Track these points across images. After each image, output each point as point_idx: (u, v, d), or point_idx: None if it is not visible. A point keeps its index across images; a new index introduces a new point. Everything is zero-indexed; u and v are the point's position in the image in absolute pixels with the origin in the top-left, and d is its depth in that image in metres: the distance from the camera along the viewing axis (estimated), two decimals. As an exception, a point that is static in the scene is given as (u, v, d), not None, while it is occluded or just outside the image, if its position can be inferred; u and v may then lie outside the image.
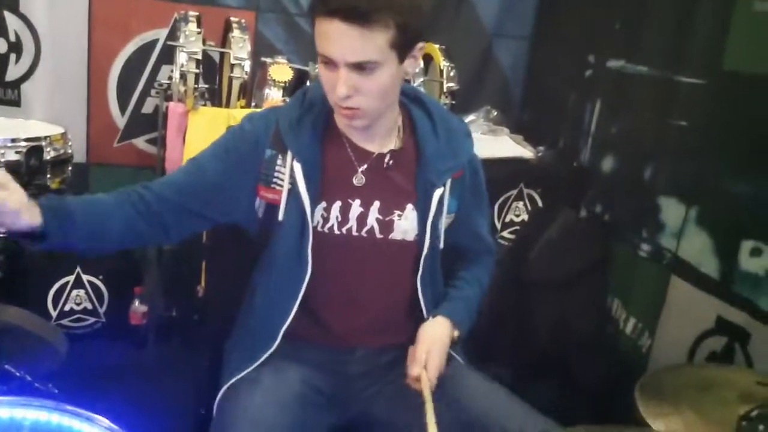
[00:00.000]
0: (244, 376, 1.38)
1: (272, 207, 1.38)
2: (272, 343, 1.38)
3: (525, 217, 2.87)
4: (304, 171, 1.35)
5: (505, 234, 2.87)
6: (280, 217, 1.37)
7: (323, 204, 1.37)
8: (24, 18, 2.81)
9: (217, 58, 2.96)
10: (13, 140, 1.91)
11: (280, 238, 1.38)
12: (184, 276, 2.67)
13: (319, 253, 1.37)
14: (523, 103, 3.46)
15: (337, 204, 1.38)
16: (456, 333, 1.45)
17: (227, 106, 2.66)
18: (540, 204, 2.87)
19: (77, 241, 1.26)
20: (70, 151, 2.09)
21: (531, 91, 3.43)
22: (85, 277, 2.79)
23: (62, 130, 2.08)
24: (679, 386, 1.06)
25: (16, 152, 1.91)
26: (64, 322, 2.80)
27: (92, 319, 2.85)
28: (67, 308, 2.80)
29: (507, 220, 2.88)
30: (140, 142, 3.10)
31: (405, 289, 1.46)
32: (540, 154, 2.93)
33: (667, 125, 2.36)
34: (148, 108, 3.06)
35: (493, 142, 2.96)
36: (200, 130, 2.50)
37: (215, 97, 2.88)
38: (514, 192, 2.86)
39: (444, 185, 1.42)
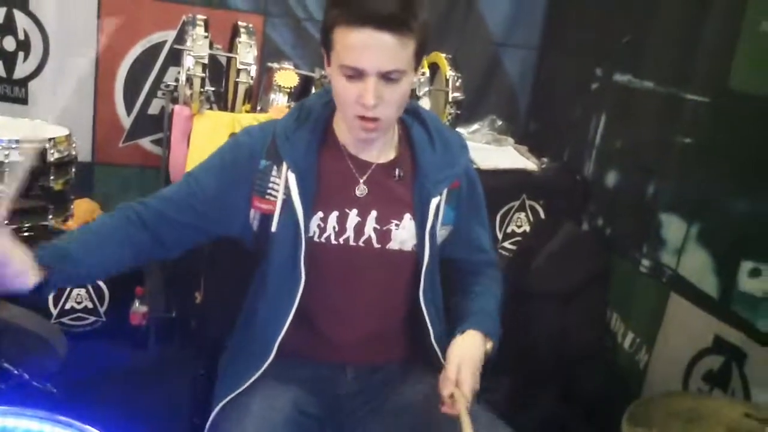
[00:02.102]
0: (236, 397, 1.37)
1: (266, 218, 1.39)
2: (266, 357, 1.37)
3: (527, 228, 2.87)
4: (299, 181, 1.35)
5: (506, 245, 2.87)
6: (273, 228, 1.37)
7: (320, 214, 1.38)
8: (33, 17, 2.83)
9: (223, 60, 2.97)
10: (17, 141, 1.92)
11: (275, 249, 1.38)
12: (185, 278, 2.68)
13: (315, 263, 1.37)
14: (529, 114, 3.46)
15: (335, 214, 1.38)
16: (489, 345, 1.42)
17: (232, 110, 2.67)
18: (542, 216, 2.86)
19: (83, 278, 1.33)
20: (74, 152, 2.10)
21: (537, 101, 3.42)
22: (86, 276, 2.80)
23: (67, 132, 2.09)
24: (667, 416, 1.05)
25: (20, 153, 1.91)
26: (65, 320, 2.81)
27: (92, 318, 2.86)
28: (67, 306, 2.81)
29: (508, 231, 2.87)
30: (146, 143, 3.12)
31: (404, 301, 1.45)
32: (544, 166, 2.92)
33: (671, 141, 2.35)
34: (154, 109, 3.08)
35: (497, 152, 2.96)
36: (205, 133, 2.50)
37: (221, 101, 2.89)
38: (516, 203, 2.85)
39: (440, 194, 1.43)
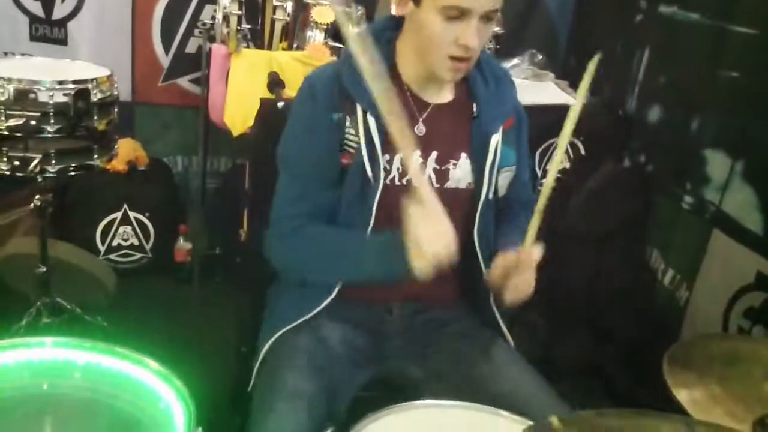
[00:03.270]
0: (287, 332, 1.40)
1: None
2: (326, 297, 1.40)
3: (567, 165, 2.84)
4: (377, 125, 1.33)
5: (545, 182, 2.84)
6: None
7: (386, 156, 1.37)
8: (71, -44, 2.83)
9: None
10: (61, 82, 1.94)
11: (346, 192, 1.38)
12: (228, 215, 2.73)
13: (380, 205, 1.37)
14: (569, 49, 3.37)
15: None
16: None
17: (269, 48, 2.66)
18: (582, 152, 2.83)
19: None
20: (116, 92, 2.11)
21: (577, 36, 3.34)
22: (131, 214, 2.88)
23: (108, 72, 2.09)
24: (706, 358, 1.06)
25: (64, 94, 1.93)
26: (112, 257, 2.90)
27: (139, 255, 2.95)
28: (114, 244, 2.89)
29: (548, 168, 2.85)
30: (184, 82, 3.13)
31: (462, 241, 1.42)
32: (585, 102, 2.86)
33: (717, 76, 2.29)
34: (191, 48, 3.07)
35: (537, 88, 2.90)
36: (242, 72, 2.51)
37: (257, 39, 2.87)
38: (557, 140, 2.81)
39: (498, 132, 1.42)
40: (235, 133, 2.55)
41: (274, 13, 2.55)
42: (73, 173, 2.05)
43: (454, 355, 1.43)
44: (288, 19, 2.57)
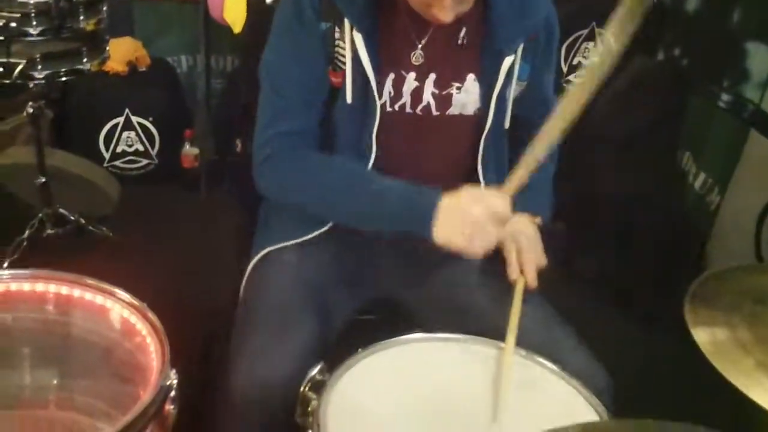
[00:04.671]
0: (276, 250, 1.31)
1: (334, 89, 1.24)
2: (321, 225, 1.29)
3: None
4: (366, 42, 1.18)
5: (570, 78, 2.66)
6: (348, 98, 1.22)
7: (376, 78, 1.21)
8: None
9: None
10: (38, -19, 1.81)
11: (340, 119, 1.24)
12: (233, 119, 2.60)
13: (377, 133, 1.23)
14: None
15: (390, 77, 1.22)
16: (537, 219, 1.31)
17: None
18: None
19: None
20: (104, -10, 1.98)
21: None
22: (134, 119, 2.76)
23: (95, -33, 1.95)
24: (736, 294, 0.93)
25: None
26: (118, 163, 2.81)
27: (145, 161, 2.85)
28: (119, 150, 2.79)
29: (575, 63, 2.66)
30: (184, -25, 2.93)
31: (464, 171, 1.31)
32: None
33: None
34: (192, -61, 2.86)
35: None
36: (241, -37, 2.32)
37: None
38: (585, 32, 2.62)
39: (515, 52, 1.24)
40: (236, 30, 2.39)
41: None
42: (63, 78, 1.95)
43: (451, 280, 1.31)
44: None
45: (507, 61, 1.23)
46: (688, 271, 2.18)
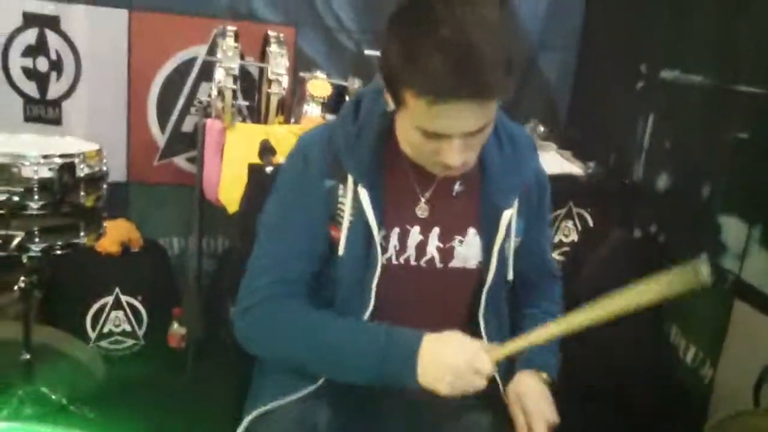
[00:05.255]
0: (275, 409, 1.26)
1: (333, 243, 1.26)
2: (318, 379, 1.26)
3: (574, 237, 2.74)
4: (371, 198, 1.22)
5: (554, 255, 2.74)
6: (341, 251, 1.24)
7: (382, 232, 1.25)
8: (65, 36, 2.81)
9: (256, 74, 2.92)
10: (46, 156, 1.87)
11: (340, 272, 1.26)
12: (223, 296, 2.61)
13: (379, 286, 1.24)
14: (570, 118, 3.33)
15: (396, 231, 1.26)
16: (544, 375, 1.32)
17: (265, 122, 2.62)
18: (590, 223, 2.73)
19: None
20: (105, 168, 2.05)
21: (578, 104, 3.30)
22: (123, 299, 2.76)
23: (97, 147, 2.03)
24: None
25: (50, 169, 1.86)
26: (103, 344, 2.76)
27: (131, 342, 2.81)
28: (105, 330, 2.76)
29: (556, 240, 2.75)
30: (181, 161, 3.07)
31: (464, 323, 1.30)
32: (590, 171, 2.79)
33: (725, 138, 2.21)
34: (188, 126, 3.03)
35: (541, 159, 2.84)
36: (237, 146, 2.46)
37: (254, 115, 2.84)
38: (563, 211, 2.73)
39: (512, 206, 1.29)
40: (231, 210, 2.47)
41: (269, 87, 2.51)
42: (59, 252, 1.96)
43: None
44: (284, 93, 2.53)
45: (506, 215, 1.27)
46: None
